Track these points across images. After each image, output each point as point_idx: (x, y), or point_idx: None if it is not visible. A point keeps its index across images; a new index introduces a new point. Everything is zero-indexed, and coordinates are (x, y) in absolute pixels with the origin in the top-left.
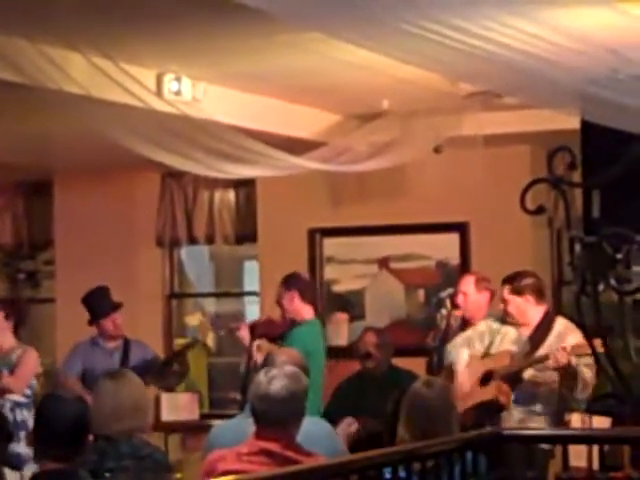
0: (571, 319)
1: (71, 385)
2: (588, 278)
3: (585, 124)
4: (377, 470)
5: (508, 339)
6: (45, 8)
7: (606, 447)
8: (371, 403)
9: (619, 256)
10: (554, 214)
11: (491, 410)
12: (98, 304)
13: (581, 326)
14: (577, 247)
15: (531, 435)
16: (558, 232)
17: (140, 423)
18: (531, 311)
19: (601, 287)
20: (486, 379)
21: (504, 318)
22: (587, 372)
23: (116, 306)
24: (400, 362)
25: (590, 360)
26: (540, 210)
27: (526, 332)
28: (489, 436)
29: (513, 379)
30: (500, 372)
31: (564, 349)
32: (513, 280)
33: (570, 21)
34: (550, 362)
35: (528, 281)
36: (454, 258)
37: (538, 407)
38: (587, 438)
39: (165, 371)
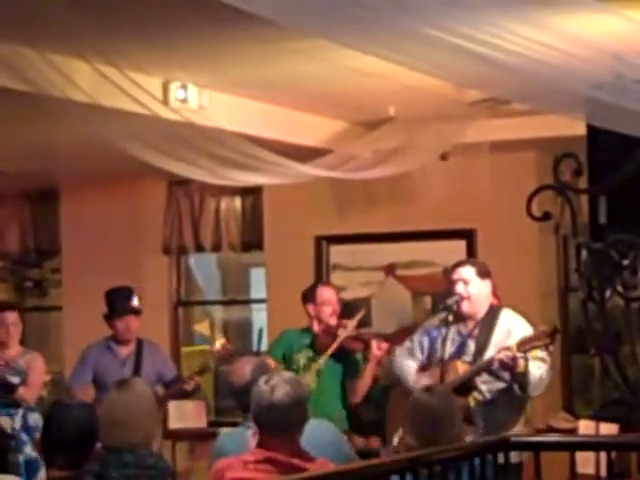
0: (578, 326)
1: (79, 396)
2: (595, 284)
3: (591, 130)
4: (384, 477)
5: (450, 341)
6: (50, 16)
7: (614, 454)
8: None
9: (626, 262)
10: (560, 221)
11: None
12: (117, 303)
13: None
14: (583, 253)
15: (538, 442)
16: (564, 239)
17: (148, 434)
18: (486, 298)
19: (608, 293)
20: None
21: (449, 318)
22: (537, 369)
23: (134, 310)
24: None
25: (542, 354)
26: (546, 216)
27: (470, 326)
28: (496, 443)
29: (464, 389)
30: (449, 386)
31: (508, 349)
32: (476, 262)
33: (575, 27)
34: (496, 365)
35: (486, 266)
36: None
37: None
38: (594, 445)
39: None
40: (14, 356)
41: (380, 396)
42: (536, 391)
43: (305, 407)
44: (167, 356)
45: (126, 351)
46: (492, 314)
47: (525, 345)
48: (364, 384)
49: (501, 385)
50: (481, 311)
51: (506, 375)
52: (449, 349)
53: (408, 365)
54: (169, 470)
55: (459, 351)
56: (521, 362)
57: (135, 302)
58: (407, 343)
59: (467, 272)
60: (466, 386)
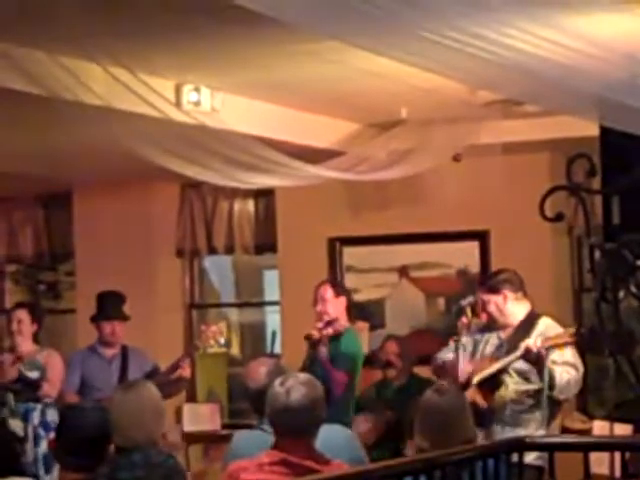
0: (592, 326)
1: (69, 400)
2: (608, 285)
3: (604, 131)
4: (398, 479)
5: (490, 344)
6: (62, 20)
7: (628, 454)
8: (392, 412)
9: (639, 263)
10: (574, 221)
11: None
12: (107, 306)
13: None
14: (597, 254)
15: (552, 443)
16: (578, 239)
17: (154, 433)
18: (511, 307)
19: (621, 294)
20: (464, 387)
21: (490, 325)
22: (565, 373)
23: (122, 316)
24: (421, 371)
25: (574, 359)
26: (559, 217)
27: (508, 332)
28: (511, 443)
29: (490, 383)
30: (475, 378)
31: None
32: (487, 279)
33: (589, 27)
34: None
35: (502, 276)
36: (474, 266)
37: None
38: (609, 445)
39: (165, 380)
40: (30, 352)
41: (394, 396)
42: (562, 394)
43: (321, 409)
44: (153, 361)
45: (112, 352)
46: (530, 321)
47: (548, 341)
48: (333, 375)
49: (531, 387)
50: (511, 319)
51: (535, 378)
52: (487, 351)
53: (448, 357)
54: (178, 467)
55: (495, 353)
56: (542, 355)
57: (125, 309)
58: (451, 344)
59: (481, 292)
60: (494, 380)
